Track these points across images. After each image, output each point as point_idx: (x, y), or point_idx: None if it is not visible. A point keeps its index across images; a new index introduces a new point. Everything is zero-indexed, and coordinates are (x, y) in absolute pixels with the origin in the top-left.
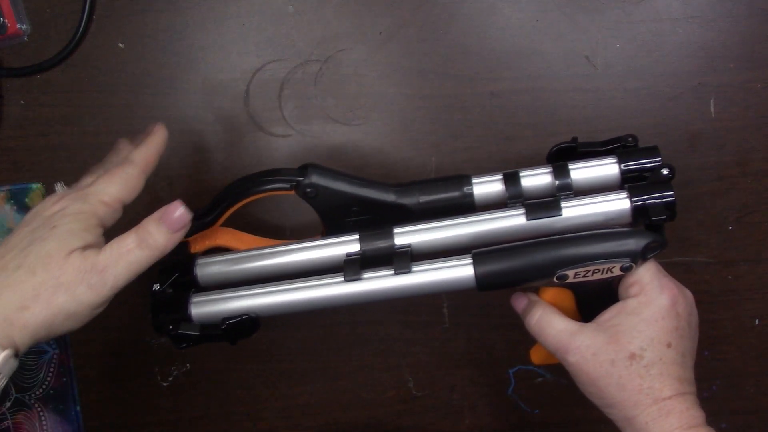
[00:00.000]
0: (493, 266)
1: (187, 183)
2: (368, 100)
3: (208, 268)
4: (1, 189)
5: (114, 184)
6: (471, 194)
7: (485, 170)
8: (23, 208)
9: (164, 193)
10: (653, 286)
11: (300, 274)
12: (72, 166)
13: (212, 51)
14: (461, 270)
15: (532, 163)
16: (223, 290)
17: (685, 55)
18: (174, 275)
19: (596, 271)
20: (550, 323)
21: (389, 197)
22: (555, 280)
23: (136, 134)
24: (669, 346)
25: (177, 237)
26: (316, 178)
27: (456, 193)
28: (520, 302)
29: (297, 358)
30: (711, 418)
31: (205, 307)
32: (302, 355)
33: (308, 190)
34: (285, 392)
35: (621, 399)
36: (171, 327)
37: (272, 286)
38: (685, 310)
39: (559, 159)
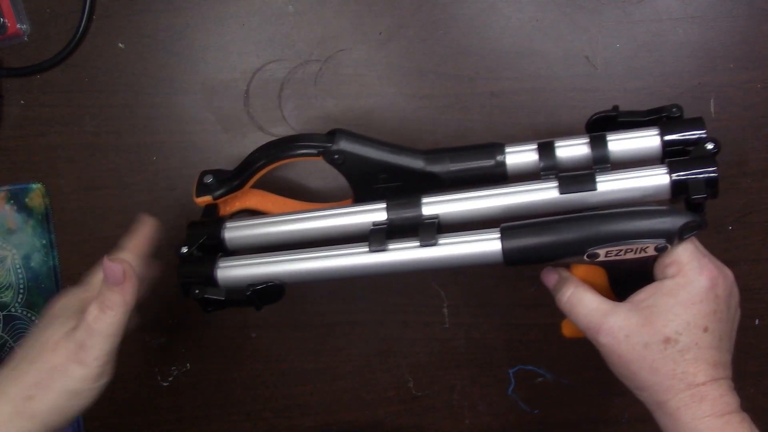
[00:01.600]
0: (521, 241)
1: (188, 183)
2: (368, 100)
3: (236, 232)
4: (1, 189)
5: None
6: (503, 163)
7: None
8: (23, 208)
9: (164, 193)
10: (692, 267)
11: (327, 241)
12: (72, 166)
13: (212, 51)
14: (488, 244)
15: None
16: (249, 256)
17: (685, 55)
18: (202, 238)
19: (629, 250)
20: (582, 301)
21: (418, 164)
22: (585, 258)
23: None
24: (706, 330)
25: (128, 289)
26: (344, 144)
27: (489, 162)
28: (550, 278)
29: (297, 358)
30: None
31: (231, 272)
32: (302, 355)
33: (336, 156)
34: (285, 392)
35: (653, 383)
36: (197, 291)
37: (298, 253)
38: (725, 291)
39: (599, 129)
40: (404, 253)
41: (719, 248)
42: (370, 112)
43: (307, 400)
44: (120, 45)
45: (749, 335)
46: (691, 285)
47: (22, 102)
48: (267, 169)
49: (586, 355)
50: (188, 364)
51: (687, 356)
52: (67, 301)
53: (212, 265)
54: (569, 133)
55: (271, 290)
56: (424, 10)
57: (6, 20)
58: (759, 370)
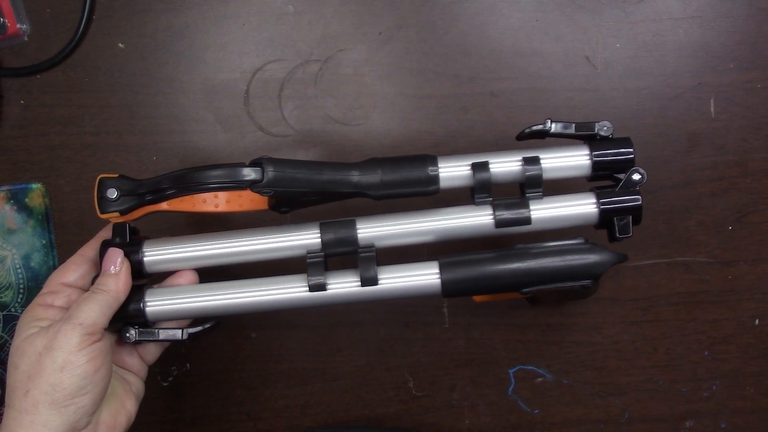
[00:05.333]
0: (458, 275)
1: None
2: (368, 100)
3: (157, 257)
4: (1, 189)
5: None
6: (436, 176)
7: None
8: (23, 208)
9: None
10: None
11: (257, 264)
12: (72, 166)
13: (212, 51)
14: (428, 278)
15: None
16: (179, 291)
17: (685, 55)
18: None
19: (558, 288)
20: None
21: (352, 177)
22: (522, 291)
23: None
24: None
25: (122, 278)
26: (273, 175)
27: (421, 174)
28: None
29: (297, 358)
30: (711, 418)
31: (161, 308)
32: (302, 355)
33: (265, 189)
34: (285, 392)
35: None
36: (128, 335)
37: (232, 290)
38: None
39: (531, 138)
40: (344, 291)
41: (719, 248)
42: (370, 112)
43: (307, 400)
44: (120, 45)
45: (749, 335)
46: None
47: (22, 102)
48: (187, 195)
49: (586, 355)
50: (188, 364)
51: None
52: (29, 308)
53: (140, 302)
54: None
55: (208, 329)
56: (424, 10)
57: (6, 20)
58: (759, 370)
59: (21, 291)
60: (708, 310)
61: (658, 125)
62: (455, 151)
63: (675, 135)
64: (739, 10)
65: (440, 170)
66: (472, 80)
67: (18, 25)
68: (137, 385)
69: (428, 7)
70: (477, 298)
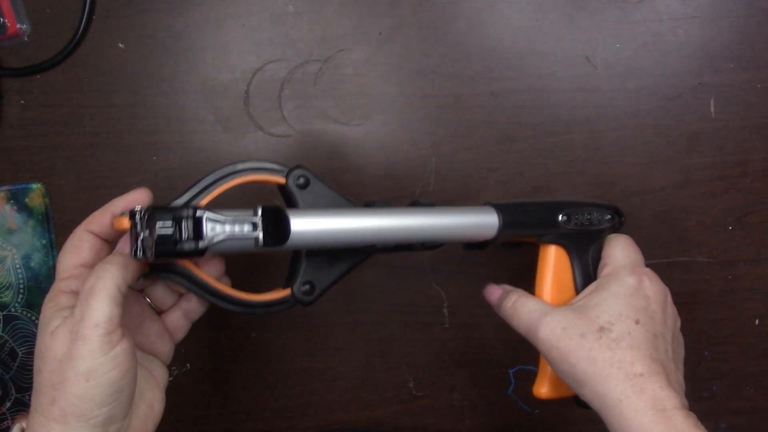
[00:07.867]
0: (515, 211)
1: (188, 183)
2: (368, 100)
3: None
4: (1, 189)
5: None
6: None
7: (485, 170)
8: (23, 208)
9: (164, 192)
10: (624, 267)
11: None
12: (72, 166)
13: (212, 51)
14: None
15: (532, 164)
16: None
17: (685, 55)
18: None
19: (589, 220)
20: (525, 305)
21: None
22: (560, 218)
23: None
24: (637, 322)
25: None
26: (303, 170)
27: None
28: (494, 293)
29: (297, 358)
30: (711, 418)
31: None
32: (302, 355)
33: (300, 179)
34: (285, 392)
35: (592, 373)
36: (177, 242)
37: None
38: (655, 294)
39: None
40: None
41: (719, 248)
42: (370, 112)
43: (307, 400)
44: (120, 45)
45: (749, 335)
46: (621, 280)
47: (22, 102)
48: (225, 187)
49: None
50: (188, 364)
51: (622, 344)
52: (51, 296)
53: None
54: (568, 133)
55: (275, 216)
56: (424, 10)
57: (6, 20)
58: (759, 370)
59: (21, 291)
60: (708, 310)
61: (658, 125)
62: (455, 150)
63: (675, 135)
64: (739, 10)
65: None
66: (472, 80)
67: (18, 25)
68: (162, 376)
69: (428, 7)
70: (544, 393)
